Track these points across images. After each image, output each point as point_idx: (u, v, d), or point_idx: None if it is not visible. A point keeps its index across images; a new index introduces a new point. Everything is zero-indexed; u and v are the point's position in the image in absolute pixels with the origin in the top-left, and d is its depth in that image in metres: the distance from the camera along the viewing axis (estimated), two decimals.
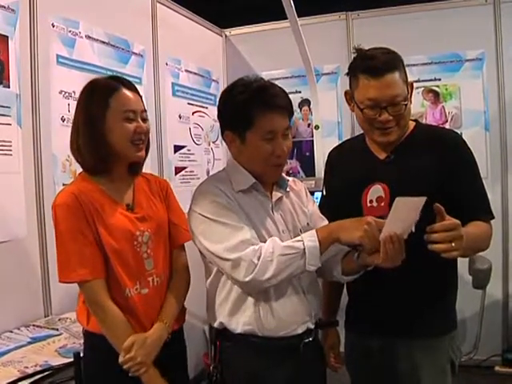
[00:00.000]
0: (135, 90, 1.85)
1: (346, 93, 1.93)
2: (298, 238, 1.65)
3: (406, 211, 1.52)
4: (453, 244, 1.50)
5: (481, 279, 3.29)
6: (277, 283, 1.63)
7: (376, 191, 1.87)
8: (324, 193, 2.12)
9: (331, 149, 2.18)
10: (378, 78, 1.75)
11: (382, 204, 1.85)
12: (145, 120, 1.85)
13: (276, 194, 1.81)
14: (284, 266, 1.60)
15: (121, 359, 1.70)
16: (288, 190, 1.86)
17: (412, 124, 1.95)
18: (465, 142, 1.93)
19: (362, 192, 1.90)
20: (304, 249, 1.61)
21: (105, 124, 1.76)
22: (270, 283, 1.62)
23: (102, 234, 1.74)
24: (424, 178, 1.78)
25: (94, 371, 1.82)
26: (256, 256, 1.59)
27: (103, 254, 1.75)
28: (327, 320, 2.07)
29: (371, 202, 1.88)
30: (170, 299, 1.88)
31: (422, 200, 1.49)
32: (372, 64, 1.77)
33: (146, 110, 1.87)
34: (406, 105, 1.80)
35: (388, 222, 1.54)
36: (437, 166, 1.81)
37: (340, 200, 1.96)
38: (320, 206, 2.02)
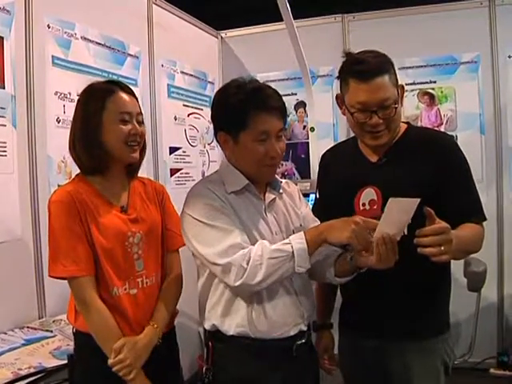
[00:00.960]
0: (132, 94, 1.88)
1: (337, 97, 1.93)
2: (286, 240, 1.65)
3: (399, 212, 1.52)
4: (442, 248, 1.50)
5: (476, 282, 3.29)
6: (267, 286, 1.64)
7: (368, 194, 1.88)
8: (317, 195, 2.12)
9: (324, 151, 2.18)
10: (368, 81, 1.76)
11: (375, 207, 1.85)
12: (140, 123, 1.86)
13: (269, 196, 1.81)
14: (273, 269, 1.60)
15: (110, 361, 1.70)
16: (281, 191, 1.86)
17: (404, 126, 1.95)
18: (457, 144, 1.94)
19: (354, 195, 1.90)
20: (292, 251, 1.61)
21: (101, 125, 1.79)
22: (260, 286, 1.62)
23: (93, 232, 1.76)
24: (416, 180, 1.78)
25: (84, 371, 1.83)
26: (245, 260, 1.60)
27: (94, 253, 1.76)
28: (321, 322, 2.07)
29: (364, 205, 1.88)
30: (162, 303, 1.89)
31: (416, 201, 1.49)
32: (361, 68, 1.77)
33: (142, 114, 1.89)
34: (395, 108, 1.80)
35: (381, 222, 1.54)
36: (429, 168, 1.81)
37: (333, 203, 1.96)
38: (313, 209, 2.02)
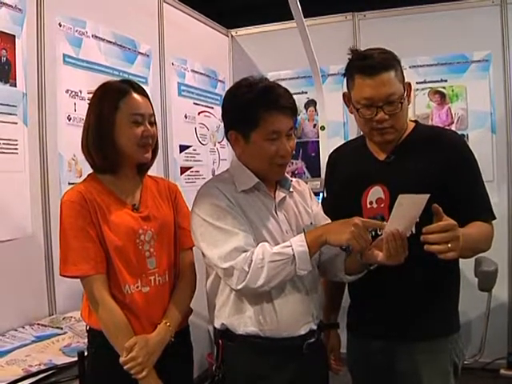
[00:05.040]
0: (145, 95, 1.88)
1: (343, 95, 1.93)
2: (287, 243, 1.65)
3: (408, 208, 1.52)
4: (449, 245, 1.49)
5: (487, 281, 3.27)
6: (270, 289, 1.64)
7: (376, 192, 1.87)
8: (325, 194, 2.12)
9: (332, 150, 2.18)
10: (373, 76, 1.75)
11: (382, 205, 1.85)
12: (152, 124, 1.87)
13: (279, 194, 1.81)
14: (275, 272, 1.60)
15: (122, 359, 1.71)
16: (291, 190, 1.86)
17: (411, 124, 1.94)
18: (465, 142, 1.93)
19: (362, 193, 1.90)
20: (293, 254, 1.61)
21: (114, 126, 1.79)
22: (262, 289, 1.63)
23: (105, 231, 1.77)
24: (424, 179, 1.77)
25: (96, 368, 1.84)
26: (247, 263, 1.60)
27: (105, 252, 1.77)
28: (328, 322, 2.07)
29: (371, 203, 1.88)
30: (175, 301, 1.89)
31: (425, 197, 1.49)
32: (367, 63, 1.77)
33: (154, 115, 1.89)
34: (401, 103, 1.79)
35: (391, 219, 1.54)
36: (436, 166, 1.80)
37: (340, 201, 1.96)
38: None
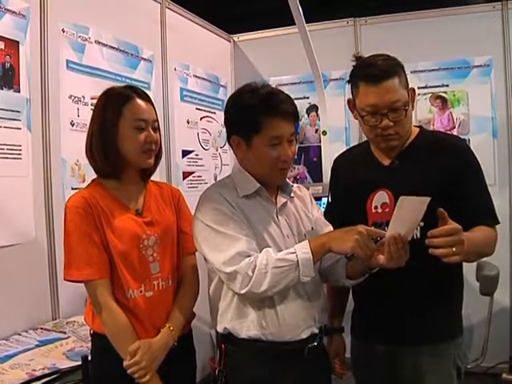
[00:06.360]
0: (149, 100, 1.89)
1: (348, 101, 1.95)
2: (291, 249, 1.65)
3: (410, 211, 1.53)
4: (454, 249, 1.50)
5: (488, 286, 3.27)
6: (273, 294, 1.65)
7: (381, 197, 1.88)
8: (329, 199, 2.13)
9: (336, 155, 2.19)
10: (377, 84, 1.76)
11: (387, 210, 1.86)
12: (156, 130, 1.88)
13: (280, 199, 1.83)
14: (278, 278, 1.61)
15: (125, 363, 1.71)
16: (292, 195, 1.88)
17: (416, 130, 1.95)
18: (469, 147, 1.94)
19: (367, 198, 1.91)
20: (297, 261, 1.61)
21: (117, 131, 1.81)
22: (266, 295, 1.64)
23: (108, 236, 1.78)
24: (428, 184, 1.78)
25: (100, 372, 1.84)
26: (250, 268, 1.61)
27: (109, 256, 1.78)
28: (332, 326, 2.07)
29: (376, 208, 1.89)
30: (179, 306, 1.90)
31: (427, 200, 1.49)
32: (371, 71, 1.78)
33: (157, 121, 1.90)
34: (406, 110, 1.80)
35: (392, 221, 1.55)
36: (441, 171, 1.82)
37: (345, 206, 1.97)
38: (326, 213, 2.02)
